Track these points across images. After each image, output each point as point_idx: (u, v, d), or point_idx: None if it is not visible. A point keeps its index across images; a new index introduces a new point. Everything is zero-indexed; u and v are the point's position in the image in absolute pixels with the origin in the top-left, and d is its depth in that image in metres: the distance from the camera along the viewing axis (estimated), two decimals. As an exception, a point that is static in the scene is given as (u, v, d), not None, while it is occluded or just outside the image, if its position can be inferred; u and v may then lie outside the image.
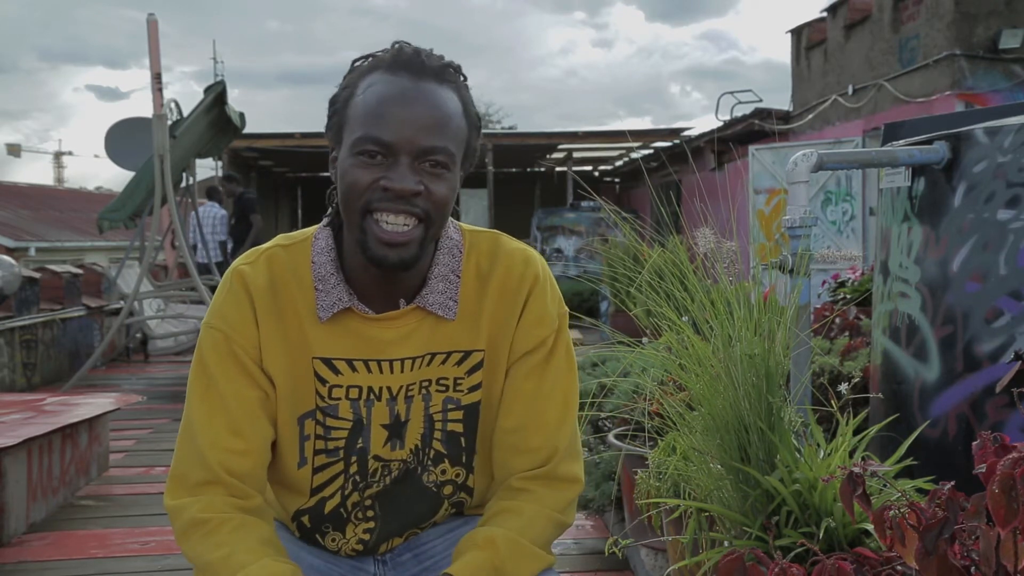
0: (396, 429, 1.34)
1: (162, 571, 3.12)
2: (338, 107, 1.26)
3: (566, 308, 1.39)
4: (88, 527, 3.66)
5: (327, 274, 1.29)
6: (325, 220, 1.35)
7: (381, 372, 1.31)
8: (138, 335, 8.65)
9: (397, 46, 1.27)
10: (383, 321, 1.30)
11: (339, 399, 1.32)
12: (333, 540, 1.41)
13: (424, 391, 1.34)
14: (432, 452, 1.37)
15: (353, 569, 1.43)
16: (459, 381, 1.34)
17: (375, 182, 1.20)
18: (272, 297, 1.30)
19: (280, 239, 1.35)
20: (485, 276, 1.34)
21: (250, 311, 1.29)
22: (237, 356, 1.28)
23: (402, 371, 1.31)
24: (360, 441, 1.34)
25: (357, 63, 1.29)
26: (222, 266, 9.31)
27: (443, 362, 1.33)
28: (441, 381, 1.34)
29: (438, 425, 1.36)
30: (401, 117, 1.20)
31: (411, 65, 1.24)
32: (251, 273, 1.30)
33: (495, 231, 1.40)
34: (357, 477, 1.36)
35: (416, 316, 1.31)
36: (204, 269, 8.94)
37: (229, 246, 10.12)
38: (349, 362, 1.30)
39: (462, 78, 1.29)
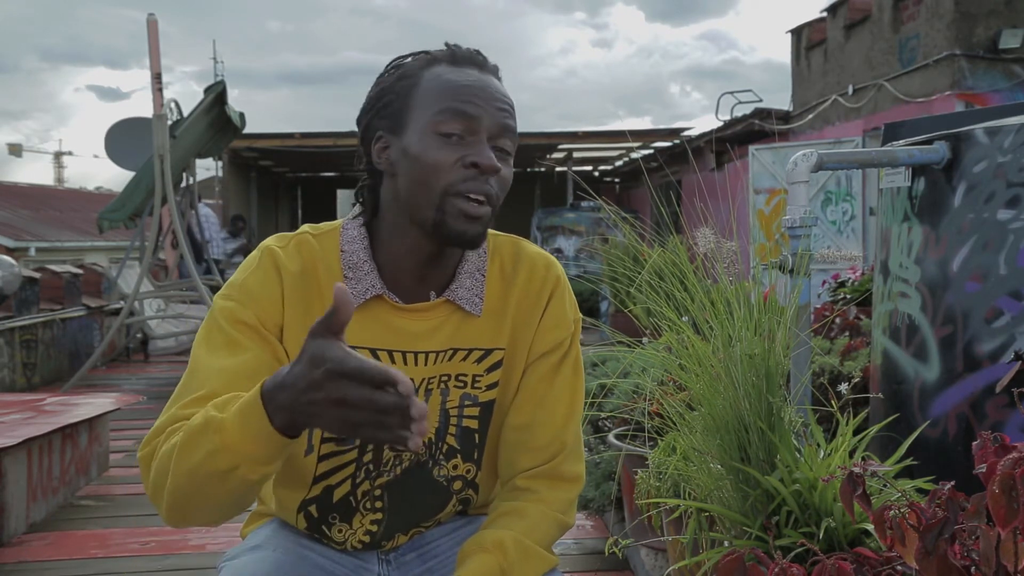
0: None
1: (162, 571, 3.12)
2: (394, 96, 1.27)
3: (580, 314, 1.43)
4: (88, 527, 3.66)
5: (360, 262, 1.30)
6: (356, 215, 1.35)
7: (405, 363, 1.31)
8: (138, 335, 8.65)
9: (454, 44, 1.31)
10: (412, 312, 1.31)
11: None
12: (340, 531, 1.41)
13: (443, 386, 1.35)
14: (445, 447, 1.38)
15: (357, 568, 1.43)
16: (477, 378, 1.36)
17: (459, 160, 1.22)
18: (302, 283, 1.29)
19: (308, 227, 1.35)
20: (509, 277, 1.37)
21: (278, 291, 1.28)
22: (253, 325, 1.25)
23: (424, 364, 1.32)
24: None
25: (395, 61, 1.32)
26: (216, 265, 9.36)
27: (464, 358, 1.34)
28: (460, 377, 1.35)
29: (453, 420, 1.37)
30: (482, 96, 1.24)
31: (474, 60, 1.29)
32: (283, 255, 1.29)
33: (514, 236, 1.43)
34: (371, 466, 1.37)
35: (445, 310, 1.32)
36: (209, 267, 9.00)
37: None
38: (373, 351, 1.30)
39: None
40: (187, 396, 1.18)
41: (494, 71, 1.31)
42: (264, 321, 1.26)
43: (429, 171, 1.22)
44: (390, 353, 1.31)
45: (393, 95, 1.28)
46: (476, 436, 1.39)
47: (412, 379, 1.32)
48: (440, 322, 1.32)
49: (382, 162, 1.29)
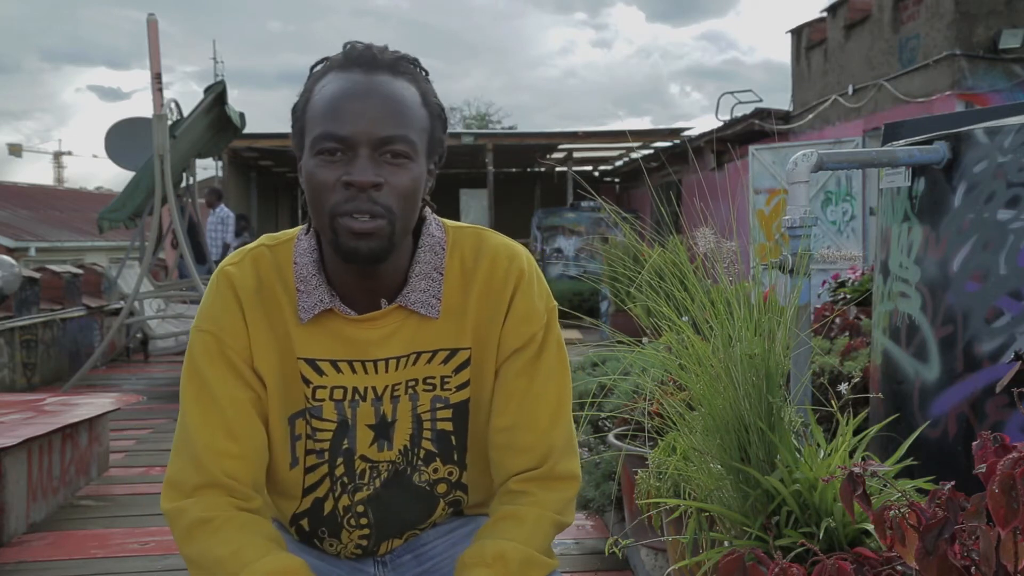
0: (383, 430, 1.34)
1: (162, 571, 3.12)
2: (298, 113, 1.26)
3: (555, 302, 1.38)
4: (88, 527, 3.66)
5: (309, 275, 1.29)
6: (307, 224, 1.34)
7: (366, 372, 1.30)
8: (138, 335, 8.65)
9: (348, 45, 1.26)
10: (365, 322, 1.29)
11: (323, 400, 1.32)
12: (331, 545, 1.41)
13: (411, 390, 1.33)
14: (422, 452, 1.36)
15: (353, 570, 1.43)
16: (446, 380, 1.34)
17: (338, 180, 1.19)
18: (259, 297, 1.29)
19: (265, 239, 1.35)
20: (469, 273, 1.33)
21: (239, 312, 1.29)
22: (228, 358, 1.28)
23: (387, 371, 1.31)
24: (346, 442, 1.34)
25: (315, 68, 1.28)
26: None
27: (429, 361, 1.32)
28: (428, 380, 1.33)
29: (427, 424, 1.35)
30: (356, 110, 1.19)
31: (362, 60, 1.23)
32: (238, 274, 1.30)
33: (480, 227, 1.38)
34: (345, 479, 1.36)
35: (399, 316, 1.30)
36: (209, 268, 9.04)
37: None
38: (333, 363, 1.30)
39: (420, 71, 1.28)
40: (184, 450, 1.28)
41: (390, 65, 1.24)
42: (235, 348, 1.28)
43: (316, 193, 1.21)
44: (350, 364, 1.30)
45: (297, 113, 1.26)
46: (453, 438, 1.37)
47: (375, 387, 1.31)
48: (395, 328, 1.30)
49: (302, 179, 1.27)
